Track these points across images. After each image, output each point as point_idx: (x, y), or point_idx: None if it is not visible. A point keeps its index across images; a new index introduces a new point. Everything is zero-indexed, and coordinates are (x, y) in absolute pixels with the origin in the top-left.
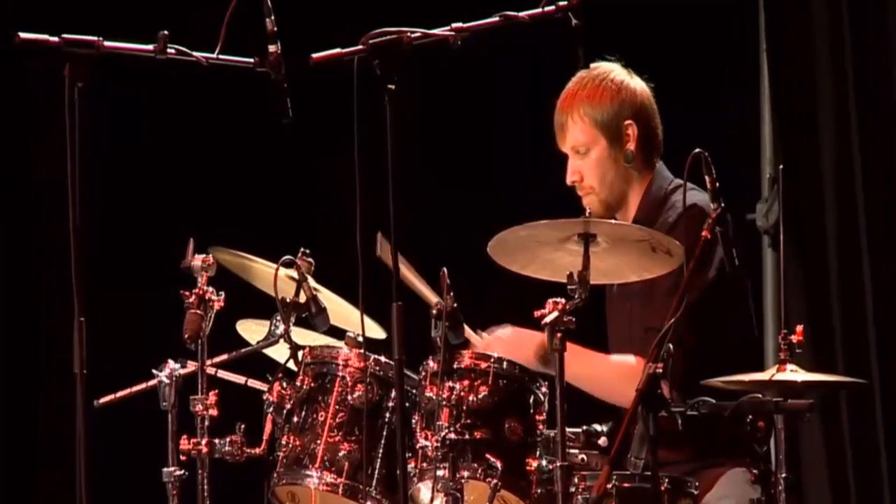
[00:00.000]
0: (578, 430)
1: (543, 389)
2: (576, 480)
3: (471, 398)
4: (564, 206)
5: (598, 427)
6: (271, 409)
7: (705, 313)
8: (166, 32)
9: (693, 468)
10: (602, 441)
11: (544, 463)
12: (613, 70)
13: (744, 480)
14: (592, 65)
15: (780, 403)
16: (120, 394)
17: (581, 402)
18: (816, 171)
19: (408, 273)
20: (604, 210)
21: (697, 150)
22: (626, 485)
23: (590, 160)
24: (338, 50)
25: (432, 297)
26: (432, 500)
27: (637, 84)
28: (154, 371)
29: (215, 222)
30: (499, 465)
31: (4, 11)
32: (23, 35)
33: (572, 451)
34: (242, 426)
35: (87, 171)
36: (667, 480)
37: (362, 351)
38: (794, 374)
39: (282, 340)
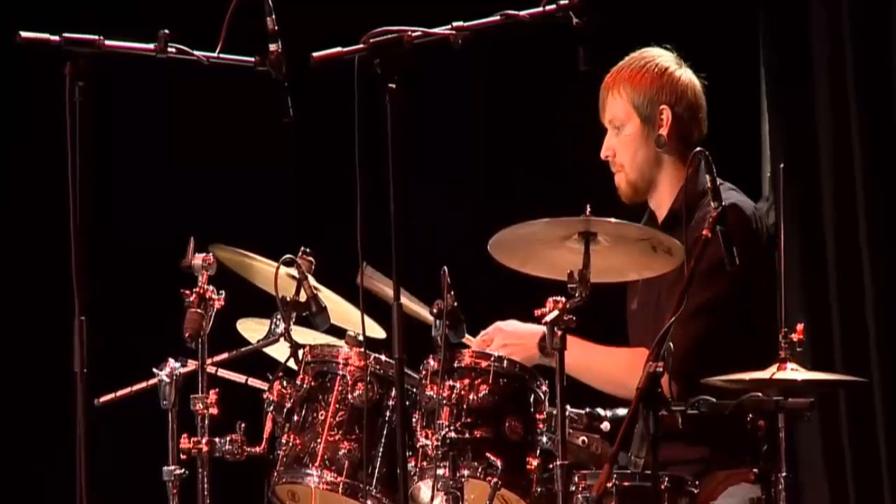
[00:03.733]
0: (581, 411)
1: (544, 388)
2: (576, 479)
3: (471, 397)
4: (565, 204)
5: (601, 411)
6: (271, 407)
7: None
8: (167, 31)
9: (694, 468)
10: (604, 426)
11: (545, 440)
12: (662, 56)
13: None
14: (646, 49)
15: (781, 402)
16: (120, 392)
17: (585, 384)
18: (816, 169)
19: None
20: (631, 191)
21: (698, 148)
22: (626, 483)
23: (623, 137)
24: (339, 49)
25: (426, 314)
26: (432, 498)
27: (684, 74)
28: (154, 370)
29: (216, 221)
30: (499, 463)
31: (4, 10)
32: (23, 34)
33: (573, 429)
34: (243, 425)
35: (87, 169)
36: (667, 479)
37: (363, 350)
38: (795, 372)
39: (282, 339)
